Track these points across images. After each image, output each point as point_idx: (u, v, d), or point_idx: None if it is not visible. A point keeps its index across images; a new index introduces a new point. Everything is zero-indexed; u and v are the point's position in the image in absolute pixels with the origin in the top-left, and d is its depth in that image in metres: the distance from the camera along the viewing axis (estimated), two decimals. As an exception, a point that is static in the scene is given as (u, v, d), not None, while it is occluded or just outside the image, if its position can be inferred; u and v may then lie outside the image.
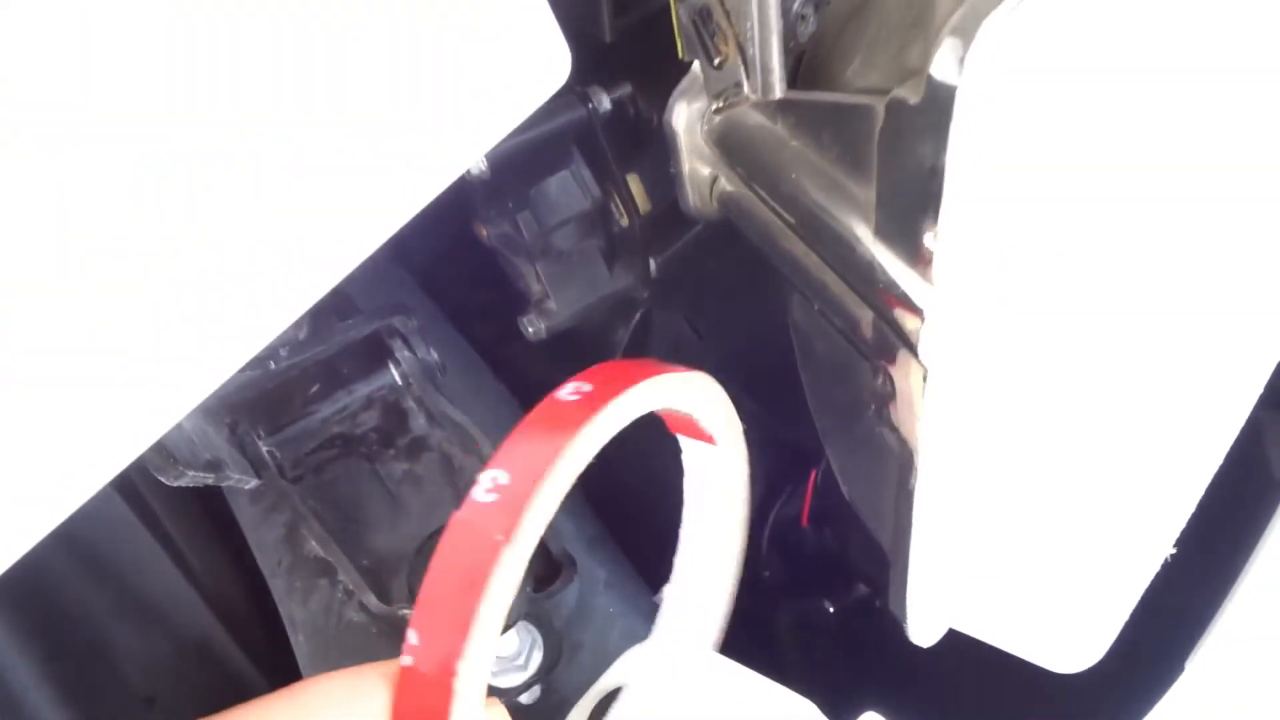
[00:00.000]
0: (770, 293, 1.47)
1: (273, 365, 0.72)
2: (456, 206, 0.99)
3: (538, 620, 0.65)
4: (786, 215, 0.48)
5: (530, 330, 0.85)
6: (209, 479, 0.65)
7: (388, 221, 0.42)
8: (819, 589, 1.15)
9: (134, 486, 0.78)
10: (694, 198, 0.63)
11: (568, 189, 0.81)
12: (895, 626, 1.10)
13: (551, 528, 0.77)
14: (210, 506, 0.84)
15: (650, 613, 0.74)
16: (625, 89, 0.81)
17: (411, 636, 0.36)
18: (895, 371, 0.42)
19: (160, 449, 0.56)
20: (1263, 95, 0.43)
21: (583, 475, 0.90)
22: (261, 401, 0.80)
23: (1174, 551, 0.52)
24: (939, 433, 0.42)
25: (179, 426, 0.61)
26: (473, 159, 0.47)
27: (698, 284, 1.33)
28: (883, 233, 0.40)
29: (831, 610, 1.16)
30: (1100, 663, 0.54)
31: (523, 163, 0.78)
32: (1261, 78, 0.43)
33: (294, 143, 0.38)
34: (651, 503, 1.20)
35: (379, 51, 0.39)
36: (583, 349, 0.95)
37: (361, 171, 0.41)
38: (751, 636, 1.09)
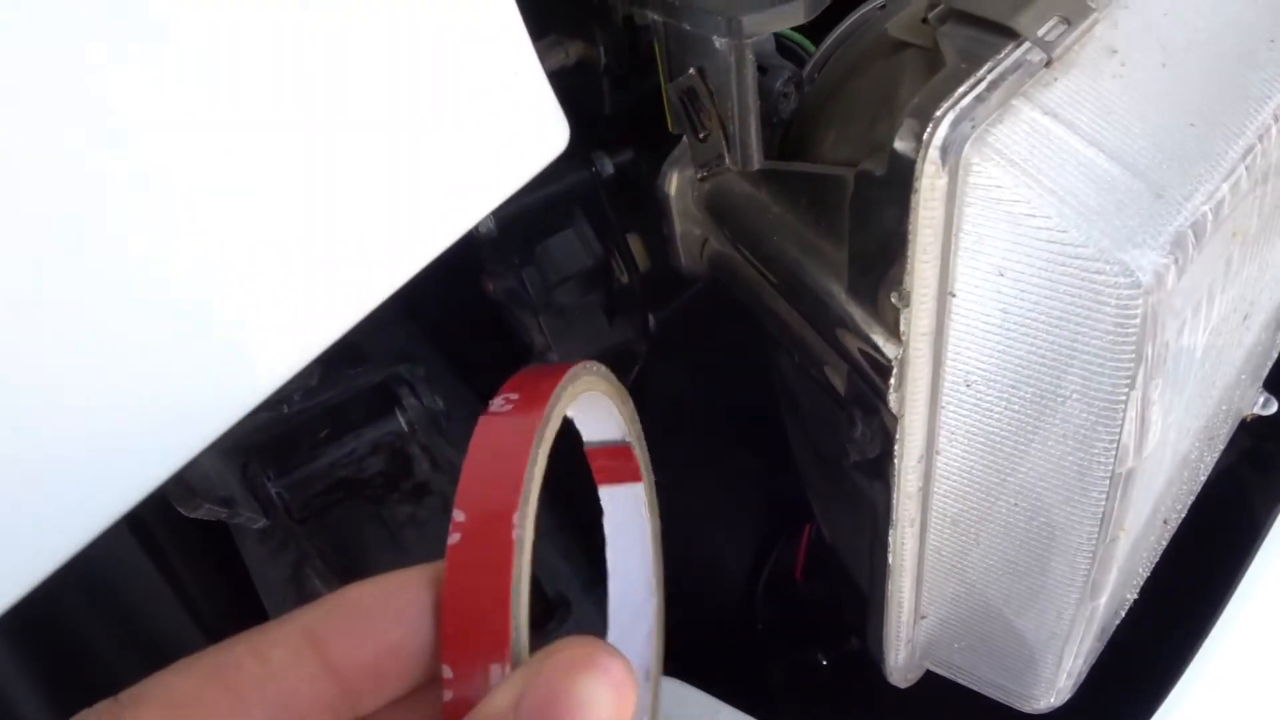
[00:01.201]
0: (761, 350, 1.50)
1: (285, 409, 0.75)
2: (464, 263, 1.03)
3: (530, 660, 0.67)
4: (769, 275, 0.51)
5: (532, 381, 0.88)
6: (222, 514, 0.68)
7: (397, 274, 0.46)
8: (812, 641, 1.17)
9: (143, 523, 0.81)
10: (685, 257, 0.67)
11: (571, 247, 0.85)
12: (887, 679, 1.11)
13: (546, 568, 0.80)
14: (216, 546, 0.87)
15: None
16: (627, 155, 0.86)
17: (457, 515, 0.35)
18: (868, 421, 0.45)
19: (180, 480, 0.59)
20: None
21: (581, 519, 0.93)
22: (273, 444, 0.83)
23: (1134, 598, 0.54)
24: (909, 479, 0.45)
25: (197, 462, 0.64)
26: (478, 217, 0.51)
27: (695, 340, 1.37)
28: (853, 290, 0.43)
29: (825, 662, 1.18)
30: (1073, 702, 0.56)
31: (528, 222, 0.82)
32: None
33: (314, 199, 0.42)
34: (675, 547, 1.22)
35: (397, 121, 0.43)
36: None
37: (375, 227, 0.45)
38: (744, 688, 1.11)
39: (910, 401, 0.42)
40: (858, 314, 0.44)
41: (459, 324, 1.07)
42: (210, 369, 0.41)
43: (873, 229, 0.41)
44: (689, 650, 0.80)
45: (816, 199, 0.48)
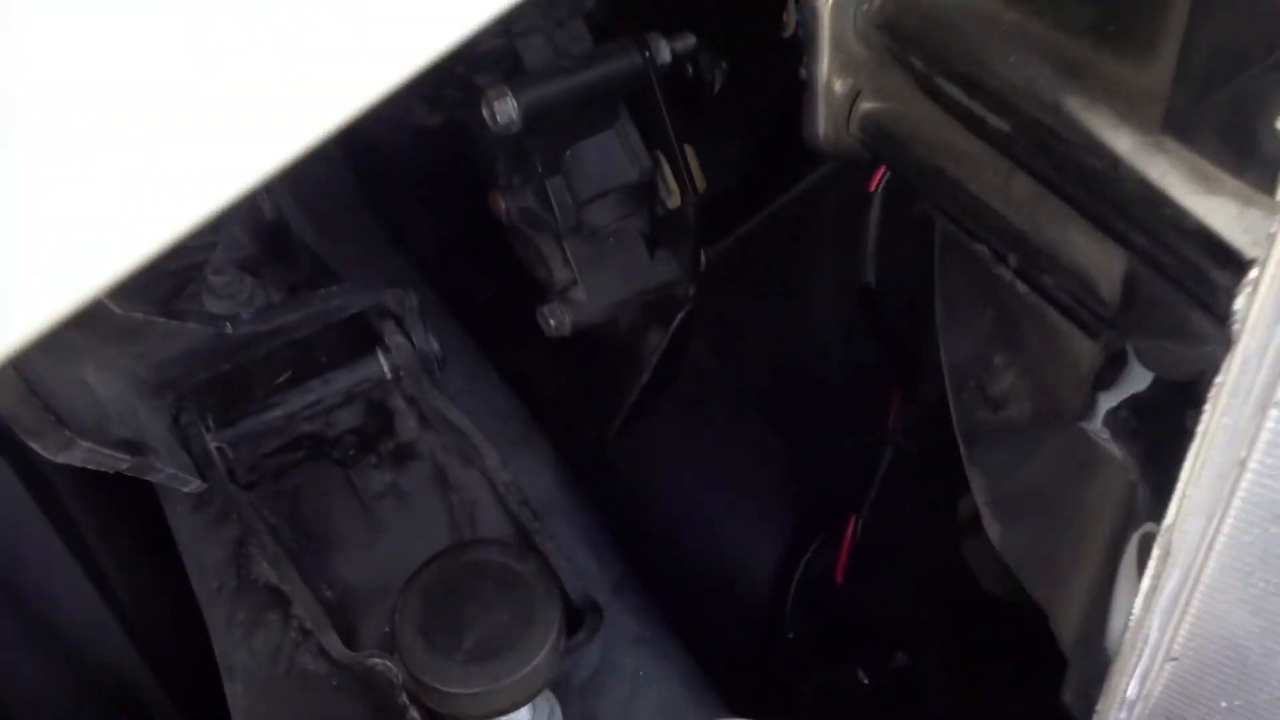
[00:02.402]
0: (816, 309, 1.32)
1: (230, 329, 0.56)
2: (467, 179, 0.85)
3: (555, 681, 0.50)
4: (996, 120, 0.33)
5: (551, 323, 0.70)
6: (123, 463, 0.49)
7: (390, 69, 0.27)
8: (852, 655, 1.00)
9: (46, 481, 0.63)
10: (824, 123, 0.49)
11: (610, 154, 0.67)
12: (942, 705, 0.95)
13: (571, 566, 0.62)
14: (144, 515, 0.68)
15: (690, 678, 0.59)
16: (689, 40, 0.67)
17: None
18: (1155, 350, 0.28)
19: (41, 404, 0.40)
20: None
21: (610, 505, 0.75)
22: (216, 385, 0.64)
23: None
24: (1224, 445, 0.27)
25: (84, 385, 0.45)
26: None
27: (735, 294, 1.18)
28: (1179, 126, 0.26)
29: (866, 681, 1.00)
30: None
31: (561, 114, 0.64)
32: None
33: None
34: (694, 539, 1.04)
35: None
36: (608, 356, 0.80)
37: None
38: (771, 706, 0.93)
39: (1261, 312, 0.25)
40: (1180, 168, 0.27)
41: (456, 258, 0.88)
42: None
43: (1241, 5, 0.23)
44: (705, 661, 0.64)
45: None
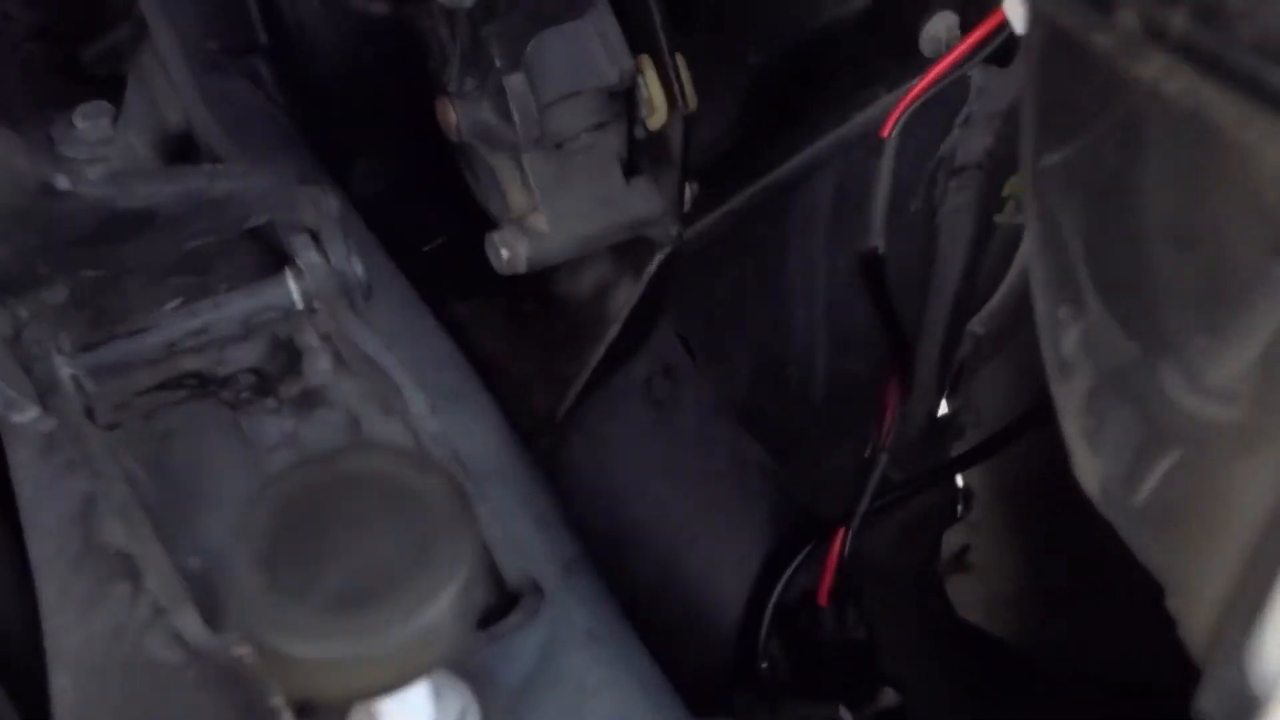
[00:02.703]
0: (803, 308, 1.20)
1: (65, 185, 0.43)
2: (417, 90, 0.73)
3: (476, 677, 0.36)
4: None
5: (503, 254, 0.58)
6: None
7: None
8: (835, 690, 0.87)
9: None
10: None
11: (584, 47, 0.56)
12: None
13: (508, 538, 0.50)
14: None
15: (652, 685, 0.46)
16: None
17: None
18: None
19: None
20: None
21: (564, 482, 0.63)
22: (78, 299, 0.51)
23: None
24: None
25: None
26: None
27: (714, 283, 1.07)
28: None
29: (850, 722, 0.88)
30: None
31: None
32: None
33: None
34: (657, 551, 0.92)
35: None
36: (569, 306, 0.68)
37: None
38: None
39: None
40: None
41: (404, 192, 0.76)
42: None
43: None
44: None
45: None
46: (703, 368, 1.14)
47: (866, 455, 0.91)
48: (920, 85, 0.68)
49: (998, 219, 1.40)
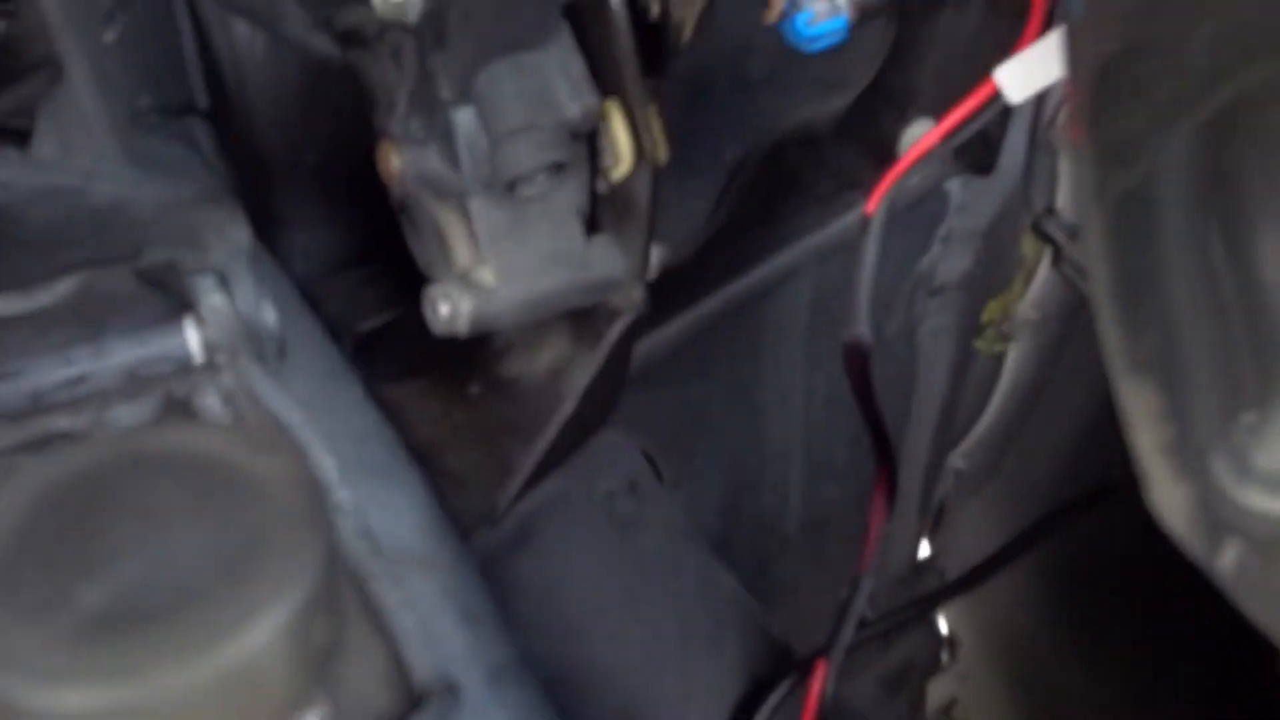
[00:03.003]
0: (777, 430, 1.13)
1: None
2: (346, 142, 0.67)
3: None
4: None
5: (442, 310, 0.51)
6: None
7: None
8: None
9: None
10: None
11: (542, 81, 0.50)
12: None
13: (422, 630, 0.40)
14: None
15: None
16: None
17: None
18: None
19: None
20: None
21: (510, 609, 0.54)
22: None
23: None
24: None
25: None
26: None
27: (681, 395, 1.00)
28: None
29: None
30: None
31: (480, 12, 0.47)
32: None
33: None
34: (615, 686, 0.82)
35: None
36: (521, 388, 0.60)
37: None
38: None
39: None
40: None
41: (335, 249, 0.69)
42: None
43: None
44: None
45: None
46: (670, 487, 1.06)
47: (849, 583, 0.83)
48: (909, 158, 0.63)
49: (978, 345, 1.35)
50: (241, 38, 0.62)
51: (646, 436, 1.02)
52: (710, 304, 0.93)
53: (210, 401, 0.47)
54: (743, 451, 1.09)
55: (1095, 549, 1.30)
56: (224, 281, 0.46)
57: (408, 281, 0.56)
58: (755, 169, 0.88)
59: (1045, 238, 0.67)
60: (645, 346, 0.96)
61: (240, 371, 0.46)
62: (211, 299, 0.46)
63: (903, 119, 0.97)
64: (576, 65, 0.50)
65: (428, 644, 0.37)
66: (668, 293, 0.93)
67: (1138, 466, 0.28)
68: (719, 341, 0.99)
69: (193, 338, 0.47)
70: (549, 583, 0.89)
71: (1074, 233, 0.67)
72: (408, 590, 0.40)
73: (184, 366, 0.47)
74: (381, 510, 0.46)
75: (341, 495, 0.41)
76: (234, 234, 0.45)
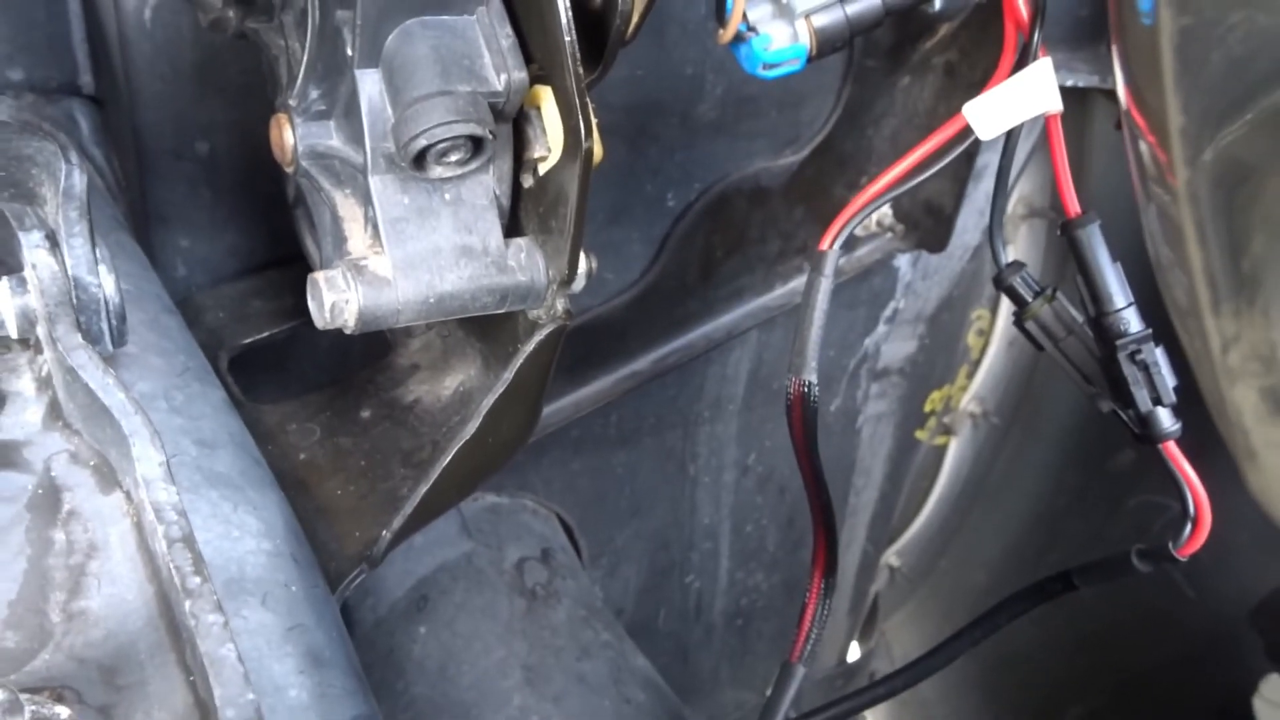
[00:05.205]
0: (706, 493, 1.05)
1: None
2: (239, 136, 0.59)
3: None
4: None
5: (327, 302, 0.43)
6: None
7: None
8: None
9: None
10: None
11: (463, 45, 0.43)
12: None
13: (239, 670, 0.31)
14: None
15: None
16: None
17: None
18: None
19: None
20: None
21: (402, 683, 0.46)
22: None
23: None
24: None
25: None
26: None
27: (614, 449, 0.93)
28: None
29: None
30: None
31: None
32: None
33: None
34: None
35: None
36: (421, 413, 0.52)
37: None
38: None
39: None
40: None
41: (219, 252, 0.61)
42: None
43: None
44: None
45: None
46: (588, 560, 0.97)
47: (779, 672, 0.74)
48: (876, 187, 0.58)
49: (919, 435, 1.30)
50: (130, 4, 0.55)
51: (565, 503, 0.93)
52: (642, 362, 0.86)
53: (18, 383, 0.39)
54: (669, 528, 1.00)
55: (1031, 652, 1.23)
56: (53, 240, 0.38)
57: (303, 296, 0.48)
58: (699, 218, 0.82)
59: (1010, 293, 0.62)
60: (570, 402, 0.89)
61: (61, 345, 0.37)
62: (36, 258, 0.38)
63: (854, 186, 0.93)
64: (504, 34, 0.44)
65: (250, 688, 0.28)
66: (597, 345, 0.87)
67: (1235, 441, 0.21)
68: (649, 405, 0.92)
69: (7, 305, 0.38)
70: (445, 655, 0.80)
71: (1042, 289, 0.62)
72: (236, 620, 0.31)
73: (-4, 340, 0.39)
74: (221, 525, 0.37)
75: (162, 496, 0.32)
76: (70, 178, 0.37)
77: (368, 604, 0.77)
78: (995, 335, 1.30)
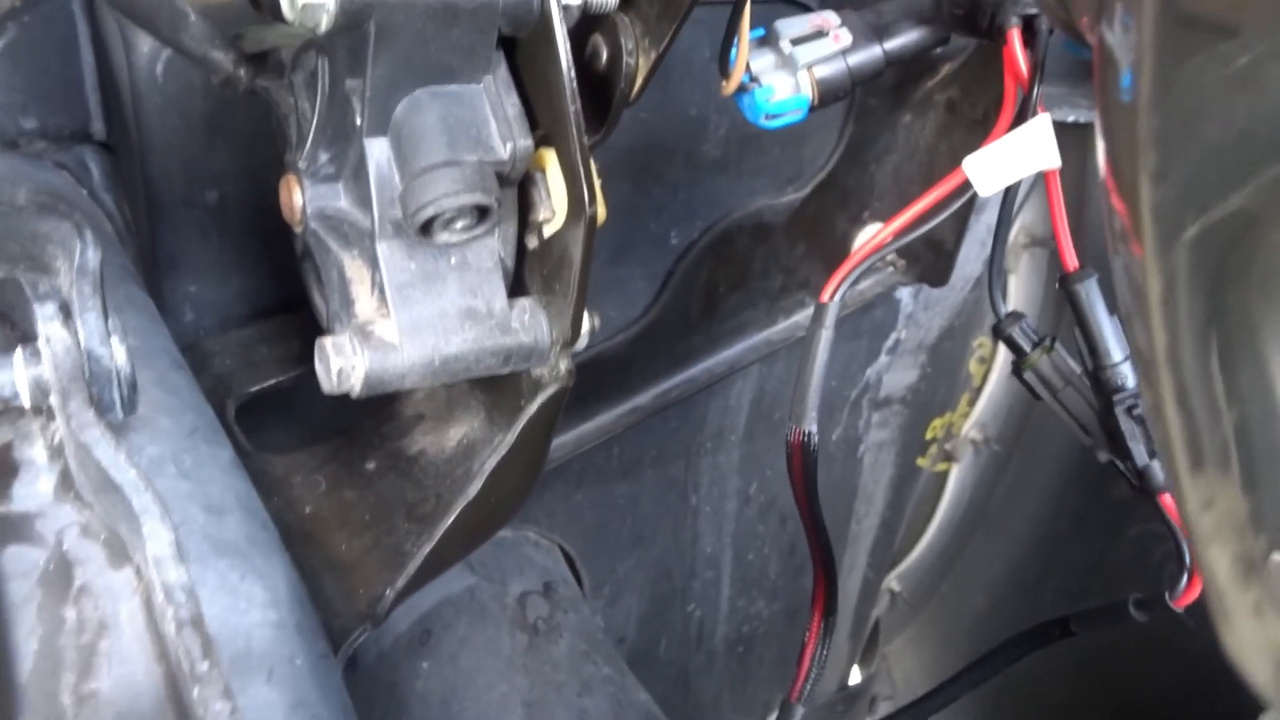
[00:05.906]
0: (709, 537, 1.05)
1: None
2: (249, 185, 0.60)
3: None
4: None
5: (334, 366, 0.43)
6: None
7: None
8: None
9: None
10: None
11: (470, 114, 0.44)
12: None
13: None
14: None
15: None
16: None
17: None
18: None
19: None
20: None
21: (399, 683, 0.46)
22: None
23: None
24: None
25: None
26: None
27: (616, 482, 0.94)
28: None
29: None
30: None
31: (405, 33, 0.41)
32: None
33: None
34: None
35: None
36: (425, 466, 0.52)
37: None
38: None
39: None
40: None
41: (229, 300, 0.62)
42: None
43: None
44: None
45: None
46: (591, 592, 0.98)
47: (780, 706, 0.75)
48: (881, 237, 0.58)
49: (920, 462, 1.31)
50: (142, 58, 0.56)
51: (568, 534, 0.94)
52: (645, 397, 0.87)
53: (32, 452, 0.39)
54: (671, 557, 1.01)
55: (1031, 676, 1.23)
56: (67, 311, 0.39)
57: (310, 342, 0.49)
58: (702, 254, 0.83)
59: (1009, 343, 0.63)
60: (573, 437, 0.90)
61: (74, 420, 0.38)
62: (50, 331, 0.38)
63: (857, 221, 0.94)
64: (510, 102, 0.45)
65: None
66: (600, 381, 0.87)
67: (1209, 596, 0.21)
68: (652, 438, 0.92)
69: (21, 376, 0.39)
70: (448, 690, 0.80)
71: (1040, 340, 0.62)
72: (242, 700, 0.32)
73: (8, 409, 0.39)
74: (228, 597, 0.38)
75: (172, 577, 0.33)
76: (84, 253, 0.37)
77: (371, 638, 0.78)
78: (997, 363, 1.30)
